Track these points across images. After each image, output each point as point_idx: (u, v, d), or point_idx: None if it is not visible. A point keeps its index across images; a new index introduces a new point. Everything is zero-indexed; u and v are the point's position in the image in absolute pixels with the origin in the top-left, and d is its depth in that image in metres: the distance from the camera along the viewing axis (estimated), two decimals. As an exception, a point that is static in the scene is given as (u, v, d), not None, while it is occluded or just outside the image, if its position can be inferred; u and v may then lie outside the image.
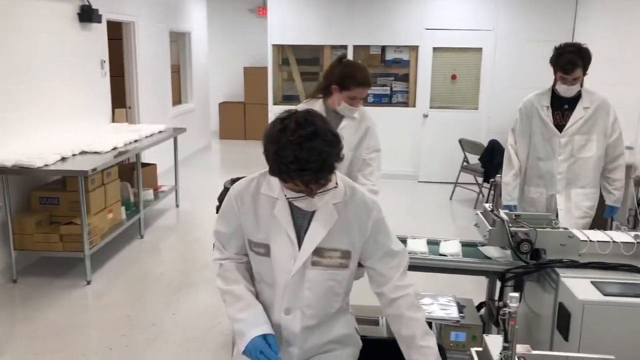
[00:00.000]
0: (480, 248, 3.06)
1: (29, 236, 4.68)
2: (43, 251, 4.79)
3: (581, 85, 3.57)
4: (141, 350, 3.73)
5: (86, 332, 3.99)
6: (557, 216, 3.56)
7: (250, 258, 1.84)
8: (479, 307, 3.43)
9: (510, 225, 2.88)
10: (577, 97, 3.58)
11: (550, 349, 2.79)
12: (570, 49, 3.51)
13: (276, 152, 1.57)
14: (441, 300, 3.30)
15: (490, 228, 2.90)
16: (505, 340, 1.48)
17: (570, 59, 3.45)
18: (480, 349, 1.68)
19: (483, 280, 3.34)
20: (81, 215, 4.59)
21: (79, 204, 4.57)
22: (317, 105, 3.13)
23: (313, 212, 1.76)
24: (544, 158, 3.66)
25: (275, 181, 1.77)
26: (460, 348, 3.15)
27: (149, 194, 6.24)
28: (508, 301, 1.47)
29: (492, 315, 3.17)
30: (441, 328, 3.13)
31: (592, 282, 2.62)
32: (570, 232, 2.88)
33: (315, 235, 1.75)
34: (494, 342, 1.61)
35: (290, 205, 1.76)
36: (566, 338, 2.60)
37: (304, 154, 1.54)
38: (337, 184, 1.71)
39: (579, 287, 2.57)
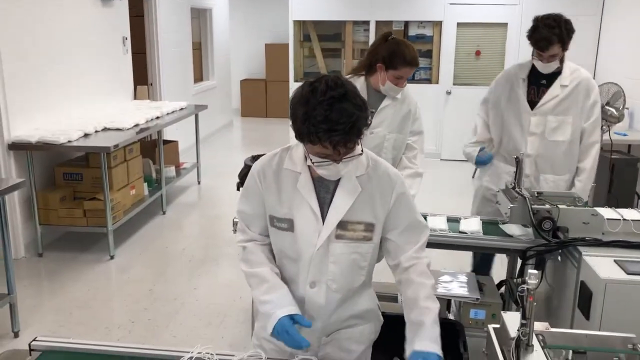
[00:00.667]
0: (501, 226, 3.02)
1: (54, 211, 4.76)
2: (67, 226, 4.87)
3: (562, 62, 3.21)
4: (163, 324, 3.79)
5: (109, 306, 4.07)
6: None
7: (272, 235, 1.83)
8: (499, 286, 3.40)
9: (532, 202, 2.83)
10: (558, 73, 3.23)
11: (571, 327, 2.76)
12: (547, 22, 3.07)
13: (305, 112, 1.57)
14: (461, 278, 3.28)
15: (512, 206, 2.86)
16: (523, 317, 1.46)
17: (545, 36, 3.05)
18: (498, 325, 1.66)
19: (504, 259, 3.31)
20: (104, 191, 4.65)
21: (102, 180, 4.63)
22: (359, 83, 3.02)
23: (336, 186, 1.76)
24: (514, 136, 3.32)
25: (298, 156, 1.76)
26: (479, 326, 3.13)
27: (170, 170, 6.29)
28: (527, 278, 1.44)
29: (512, 294, 3.14)
30: (460, 306, 3.12)
31: (615, 261, 2.57)
32: (594, 210, 2.83)
33: (339, 208, 1.74)
34: (512, 319, 1.59)
35: (314, 179, 1.76)
36: (587, 317, 2.56)
37: (334, 115, 1.54)
38: (362, 151, 1.70)
39: (602, 265, 2.53)
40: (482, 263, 3.66)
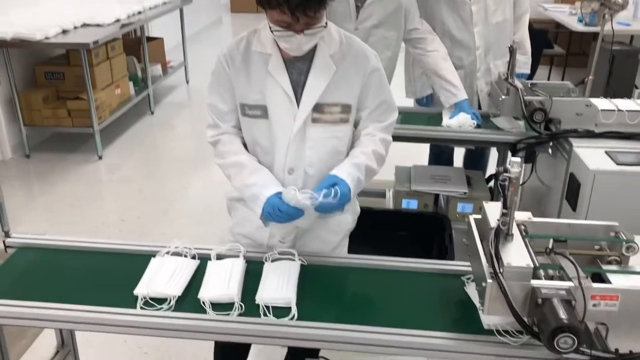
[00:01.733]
0: (492, 119, 2.94)
1: (37, 112, 4.65)
2: (52, 127, 4.78)
3: None
4: (153, 222, 3.80)
5: (99, 205, 4.07)
6: (479, 103, 3.24)
7: (244, 125, 1.74)
8: (488, 180, 3.38)
9: (524, 93, 2.73)
10: None
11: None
12: None
13: None
14: (449, 172, 3.24)
15: (503, 97, 2.76)
16: (504, 206, 1.41)
17: None
18: (479, 216, 1.62)
19: (493, 153, 3.26)
20: (87, 90, 4.50)
21: (84, 78, 4.47)
22: None
23: (309, 67, 1.66)
24: (457, 34, 3.09)
25: (266, 36, 1.64)
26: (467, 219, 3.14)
27: (157, 69, 6.10)
28: (509, 166, 1.38)
29: (501, 187, 3.12)
30: (448, 200, 3.11)
31: (606, 152, 2.52)
32: (587, 101, 2.73)
33: (314, 89, 1.65)
34: (493, 209, 1.55)
35: (285, 61, 1.65)
36: (574, 208, 2.55)
37: None
38: (326, 24, 1.58)
39: (592, 156, 2.48)
40: (472, 161, 3.59)
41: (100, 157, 4.73)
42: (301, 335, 1.44)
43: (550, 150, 2.89)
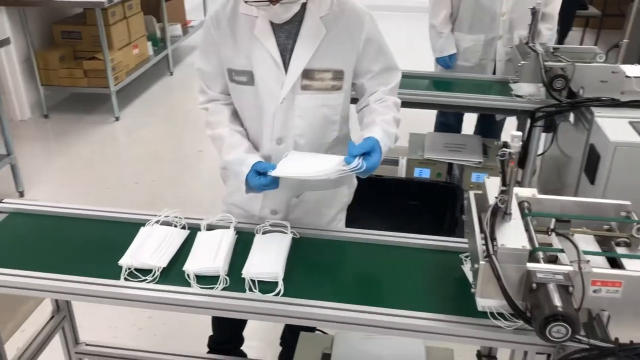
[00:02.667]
0: (512, 85, 2.80)
1: (54, 72, 4.63)
2: (69, 87, 4.76)
3: None
4: (166, 185, 3.79)
5: (114, 167, 4.06)
6: (494, 68, 3.10)
7: (232, 92, 1.67)
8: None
9: (545, 59, 2.58)
10: None
11: (575, 193, 2.64)
12: None
13: None
14: (465, 140, 3.13)
15: (523, 62, 2.61)
16: (504, 183, 1.32)
17: None
18: (480, 192, 1.53)
19: (514, 121, 3.12)
20: (102, 50, 4.46)
21: (100, 38, 4.42)
22: None
23: (298, 30, 1.56)
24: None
25: None
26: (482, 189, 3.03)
27: (176, 29, 6.01)
28: (509, 140, 1.28)
29: (519, 158, 2.99)
30: (462, 169, 3.00)
31: (630, 123, 2.38)
32: (615, 67, 2.57)
33: (303, 54, 1.56)
34: (494, 185, 1.45)
35: (272, 24, 1.56)
36: (592, 181, 2.43)
37: None
38: None
39: (614, 127, 2.34)
40: (485, 131, 3.43)
41: (117, 119, 4.72)
42: (286, 312, 1.39)
43: (572, 119, 2.75)
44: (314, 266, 1.57)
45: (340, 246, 1.65)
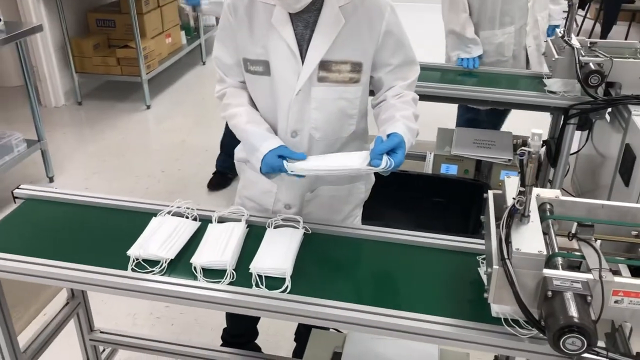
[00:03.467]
0: (545, 80, 2.69)
1: (88, 59, 4.69)
2: (102, 74, 4.81)
3: None
4: (191, 174, 3.79)
5: (142, 155, 4.09)
6: (527, 60, 2.99)
7: (247, 82, 1.63)
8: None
9: (582, 54, 2.47)
10: None
11: (609, 194, 2.52)
12: None
13: None
14: (495, 136, 3.03)
15: (557, 57, 2.51)
16: (522, 184, 1.25)
17: None
18: (500, 191, 1.45)
19: (547, 118, 3.00)
20: (135, 38, 4.49)
21: (132, 26, 4.45)
22: None
23: (317, 19, 1.51)
24: None
25: None
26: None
27: (210, 18, 6.02)
28: (529, 139, 1.21)
29: (551, 156, 2.89)
30: (491, 166, 2.91)
31: (669, 122, 2.26)
32: (655, 63, 2.44)
33: (320, 45, 1.50)
34: (514, 184, 1.38)
35: (290, 13, 1.51)
36: (627, 183, 2.32)
37: None
38: None
39: (652, 127, 2.23)
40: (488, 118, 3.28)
41: (148, 107, 4.76)
42: (291, 310, 1.35)
43: (607, 118, 2.63)
44: (325, 263, 1.52)
45: (353, 243, 1.60)
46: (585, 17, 6.34)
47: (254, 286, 1.40)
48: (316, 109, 1.56)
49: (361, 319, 1.32)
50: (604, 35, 5.69)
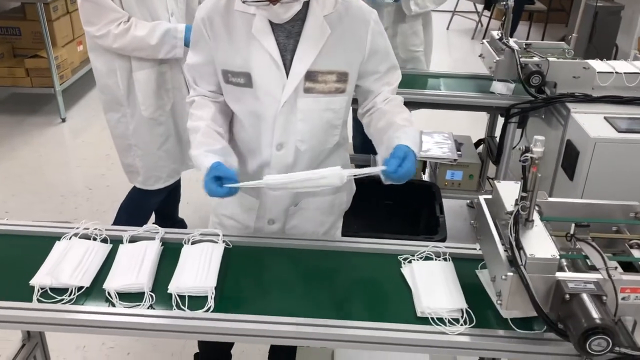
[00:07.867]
0: (494, 84, 2.77)
1: (-7, 71, 4.32)
2: (9, 86, 4.44)
3: None
4: (122, 190, 3.55)
5: (64, 172, 3.82)
6: None
7: (228, 94, 1.54)
8: (477, 145, 3.26)
9: (520, 55, 2.58)
10: None
11: (551, 189, 2.65)
12: None
13: None
14: (437, 137, 3.09)
15: (498, 59, 2.60)
16: (524, 189, 1.27)
17: None
18: (490, 196, 1.48)
19: (481, 117, 3.12)
20: (46, 47, 4.18)
21: (42, 34, 4.15)
22: None
23: (300, 29, 1.46)
24: None
25: None
26: (455, 187, 3.02)
27: (121, 23, 5.73)
28: (532, 145, 1.23)
29: (491, 154, 3.00)
30: (437, 167, 2.98)
31: (605, 118, 2.40)
32: (585, 63, 2.60)
33: (306, 55, 1.46)
34: (507, 189, 1.40)
35: (271, 22, 1.45)
36: (571, 177, 2.44)
37: None
38: None
39: (591, 123, 2.36)
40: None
41: (63, 120, 4.45)
42: (215, 330, 1.30)
43: (543, 115, 2.76)
44: (250, 275, 1.48)
45: (273, 254, 1.56)
46: (490, 18, 6.68)
47: (174, 308, 1.34)
48: (302, 121, 1.51)
49: (290, 332, 1.30)
50: (510, 34, 6.01)
